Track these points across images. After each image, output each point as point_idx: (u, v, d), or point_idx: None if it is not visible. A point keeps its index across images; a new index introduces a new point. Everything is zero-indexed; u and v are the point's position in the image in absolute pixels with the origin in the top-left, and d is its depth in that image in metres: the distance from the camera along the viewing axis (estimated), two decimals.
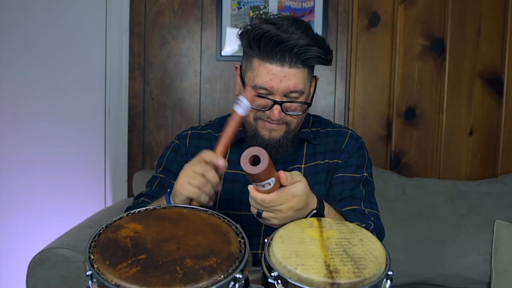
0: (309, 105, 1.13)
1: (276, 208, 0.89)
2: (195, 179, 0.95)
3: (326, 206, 0.98)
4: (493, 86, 2.08)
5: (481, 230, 1.80)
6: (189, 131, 1.29)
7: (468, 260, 1.78)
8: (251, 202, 0.91)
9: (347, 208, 1.13)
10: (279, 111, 1.08)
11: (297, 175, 0.91)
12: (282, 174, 0.88)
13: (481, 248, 1.78)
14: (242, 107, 0.98)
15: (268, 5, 2.09)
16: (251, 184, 0.89)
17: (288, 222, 0.89)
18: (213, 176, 0.96)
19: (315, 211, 0.94)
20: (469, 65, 2.07)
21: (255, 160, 0.82)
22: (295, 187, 0.89)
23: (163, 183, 1.23)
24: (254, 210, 0.92)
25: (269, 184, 0.86)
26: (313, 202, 0.95)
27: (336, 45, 2.11)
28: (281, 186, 0.89)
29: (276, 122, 1.11)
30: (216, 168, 0.97)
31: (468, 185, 1.92)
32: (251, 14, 2.09)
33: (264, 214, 0.91)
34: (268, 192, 0.87)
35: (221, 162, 0.96)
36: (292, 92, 1.08)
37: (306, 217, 0.94)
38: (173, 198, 0.99)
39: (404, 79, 2.08)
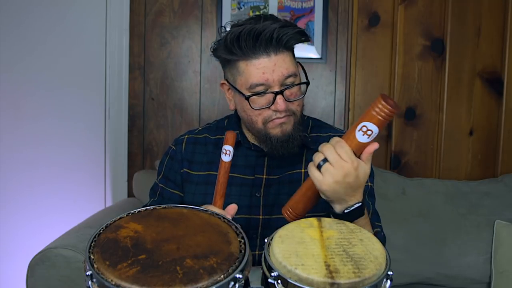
0: (308, 83, 1.14)
1: (342, 165, 0.87)
2: None
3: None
4: (493, 86, 2.08)
5: (481, 230, 1.80)
6: (186, 136, 1.28)
7: (468, 260, 1.79)
8: (328, 144, 0.89)
9: None
10: (282, 100, 1.08)
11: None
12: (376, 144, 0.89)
13: (481, 248, 1.78)
14: (229, 155, 1.01)
15: (268, 5, 2.09)
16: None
17: (290, 222, 0.89)
18: None
19: (360, 203, 0.93)
20: (469, 65, 2.07)
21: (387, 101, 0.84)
22: (363, 163, 0.89)
23: (163, 193, 1.23)
24: (317, 160, 0.89)
25: (372, 135, 0.86)
26: (360, 195, 0.93)
27: (336, 45, 2.11)
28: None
29: (284, 114, 1.10)
30: None
31: (468, 185, 1.92)
32: (251, 14, 2.09)
33: (326, 165, 0.88)
34: (358, 146, 0.88)
35: (230, 213, 0.98)
36: (287, 77, 1.09)
37: (351, 206, 0.92)
38: None
39: (404, 79, 2.08)
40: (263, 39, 1.05)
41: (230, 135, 1.02)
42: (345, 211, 0.92)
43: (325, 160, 0.88)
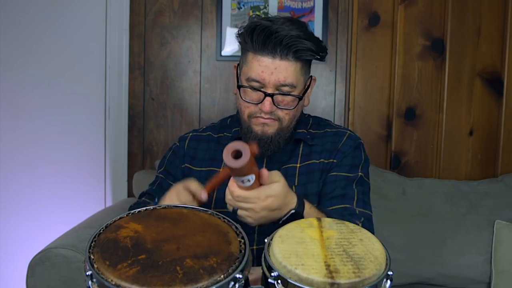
0: (301, 98, 1.14)
1: (249, 207, 0.91)
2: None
3: (307, 206, 0.99)
4: (493, 86, 2.08)
5: (481, 230, 1.80)
6: (190, 134, 1.32)
7: (468, 260, 1.79)
8: (227, 197, 0.92)
9: (337, 206, 1.14)
10: (270, 102, 1.10)
11: (275, 175, 0.93)
12: (264, 171, 0.90)
13: (481, 248, 1.78)
14: None
15: (268, 5, 2.09)
16: (231, 181, 0.91)
17: (288, 223, 0.89)
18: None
19: (293, 211, 0.96)
20: (469, 65, 2.07)
21: (237, 154, 0.82)
22: (271, 188, 0.91)
23: (162, 183, 1.26)
24: (230, 208, 0.94)
25: (249, 180, 0.87)
26: (292, 203, 0.96)
27: (336, 45, 2.11)
28: (261, 185, 0.90)
29: (268, 116, 1.12)
30: (198, 199, 1.00)
31: (468, 185, 1.92)
32: (251, 14, 2.09)
33: (239, 212, 0.93)
34: (247, 189, 0.89)
35: (204, 197, 1.00)
36: (283, 85, 1.10)
37: (284, 217, 0.96)
38: None
39: (404, 79, 2.08)
40: (273, 40, 1.07)
41: (252, 146, 1.01)
42: (280, 222, 0.97)
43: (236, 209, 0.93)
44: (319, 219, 0.88)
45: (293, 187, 1.18)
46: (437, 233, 1.81)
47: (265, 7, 2.09)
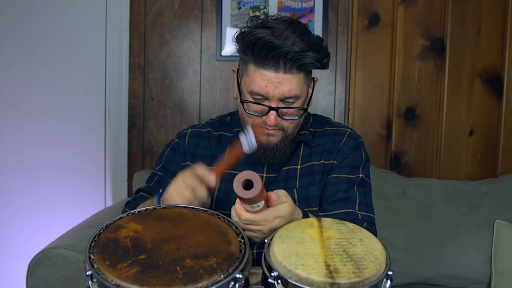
0: (305, 110, 1.13)
1: (257, 229, 0.90)
2: (185, 191, 0.96)
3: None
4: (493, 86, 2.08)
5: (481, 230, 1.80)
6: (189, 130, 1.29)
7: (468, 260, 1.79)
8: (234, 218, 0.91)
9: (340, 211, 1.13)
10: (275, 116, 1.08)
11: (283, 197, 0.91)
12: (273, 196, 0.89)
13: (481, 248, 1.78)
14: (248, 144, 0.99)
15: (268, 5, 2.09)
16: (238, 203, 0.89)
17: (290, 222, 0.89)
18: (202, 193, 0.96)
19: None
20: (469, 65, 2.07)
21: (248, 184, 0.82)
22: (279, 209, 0.90)
23: (161, 181, 1.25)
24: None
25: (258, 206, 0.87)
26: (298, 219, 0.95)
27: (336, 45, 2.11)
28: (268, 206, 0.90)
29: (272, 127, 1.11)
30: (207, 185, 0.98)
31: (468, 185, 1.92)
32: (251, 14, 2.09)
33: (246, 232, 0.91)
34: (255, 212, 0.88)
35: (212, 181, 0.97)
36: (287, 98, 1.08)
37: None
38: (163, 203, 1.01)
39: (404, 79, 2.08)
40: (276, 56, 1.03)
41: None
42: None
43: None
44: (319, 219, 0.88)
45: (295, 190, 1.18)
46: (437, 233, 1.81)
47: (265, 7, 2.09)
